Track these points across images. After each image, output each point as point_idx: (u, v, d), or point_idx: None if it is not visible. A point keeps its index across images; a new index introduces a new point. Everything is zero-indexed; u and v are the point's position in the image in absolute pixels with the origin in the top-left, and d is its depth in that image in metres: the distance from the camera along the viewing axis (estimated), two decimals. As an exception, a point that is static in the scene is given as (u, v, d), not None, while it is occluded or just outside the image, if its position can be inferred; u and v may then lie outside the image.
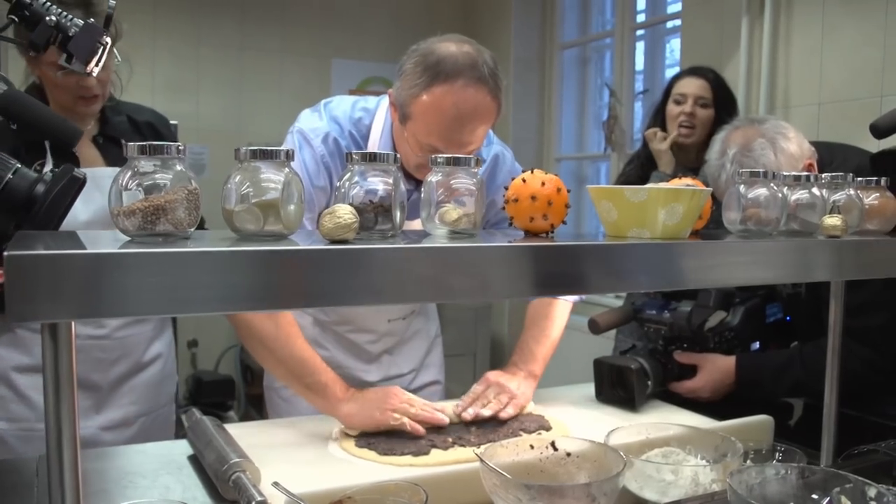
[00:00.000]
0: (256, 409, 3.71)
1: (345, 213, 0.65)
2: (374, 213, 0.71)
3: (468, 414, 1.39)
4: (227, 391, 3.56)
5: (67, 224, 1.39)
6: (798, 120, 2.50)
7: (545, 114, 4.10)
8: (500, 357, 4.19)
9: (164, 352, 1.61)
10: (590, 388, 1.67)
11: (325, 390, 1.35)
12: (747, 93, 2.69)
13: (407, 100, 1.30)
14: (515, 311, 4.20)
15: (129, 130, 1.52)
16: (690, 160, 2.21)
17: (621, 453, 1.04)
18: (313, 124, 1.40)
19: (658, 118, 2.29)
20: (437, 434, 1.32)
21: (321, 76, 4.06)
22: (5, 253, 0.53)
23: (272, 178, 0.68)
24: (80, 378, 1.44)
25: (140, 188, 0.65)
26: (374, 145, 1.41)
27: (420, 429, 1.31)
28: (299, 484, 1.02)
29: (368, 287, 0.63)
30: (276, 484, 0.98)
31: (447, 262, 0.67)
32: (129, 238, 0.66)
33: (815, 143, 1.54)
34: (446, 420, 1.34)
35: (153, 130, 1.56)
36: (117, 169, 1.52)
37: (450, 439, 1.30)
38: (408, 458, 1.23)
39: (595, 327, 1.70)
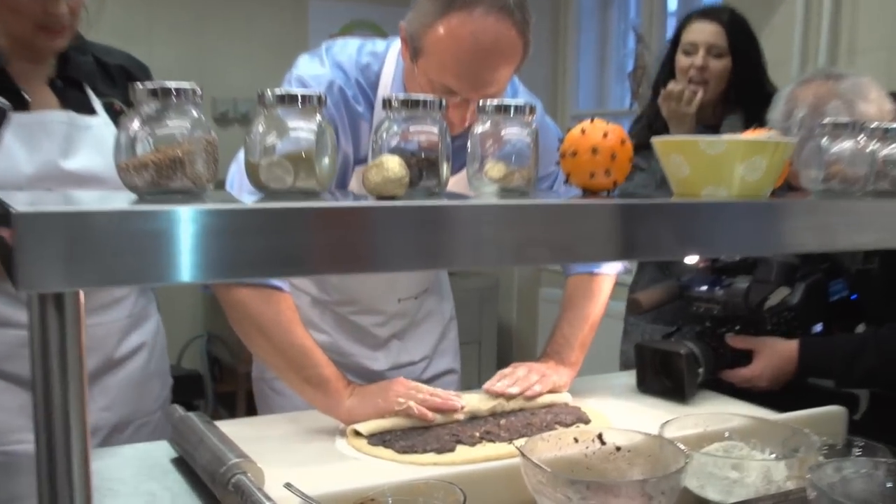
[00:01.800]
0: (227, 408, 3.73)
1: (394, 165, 0.66)
2: (418, 167, 0.72)
3: (500, 386, 1.45)
4: (192, 389, 3.58)
5: (7, 176, 1.34)
6: (864, 69, 2.48)
7: (559, 64, 4.09)
8: (508, 346, 4.22)
9: (147, 343, 1.61)
10: (629, 378, 1.70)
11: (326, 385, 1.36)
12: (804, 35, 2.65)
13: (419, 31, 1.30)
14: (525, 292, 4.23)
15: (97, 74, 1.49)
16: (707, 117, 2.14)
17: (681, 447, 1.06)
18: (314, 71, 1.40)
19: (666, 71, 2.19)
20: (461, 428, 1.35)
21: (296, 21, 4.01)
22: (13, 211, 0.53)
23: (303, 126, 0.69)
24: (23, 378, 1.44)
25: (151, 138, 0.65)
26: (384, 95, 1.41)
27: (428, 413, 1.34)
28: (310, 486, 1.03)
29: (437, 249, 0.64)
30: (288, 485, 1.00)
31: (528, 221, 0.68)
32: (137, 197, 0.66)
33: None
34: (459, 404, 1.37)
35: (126, 76, 1.52)
36: (71, 113, 1.52)
37: (476, 434, 1.32)
38: (431, 456, 1.25)
39: (636, 307, 1.71)
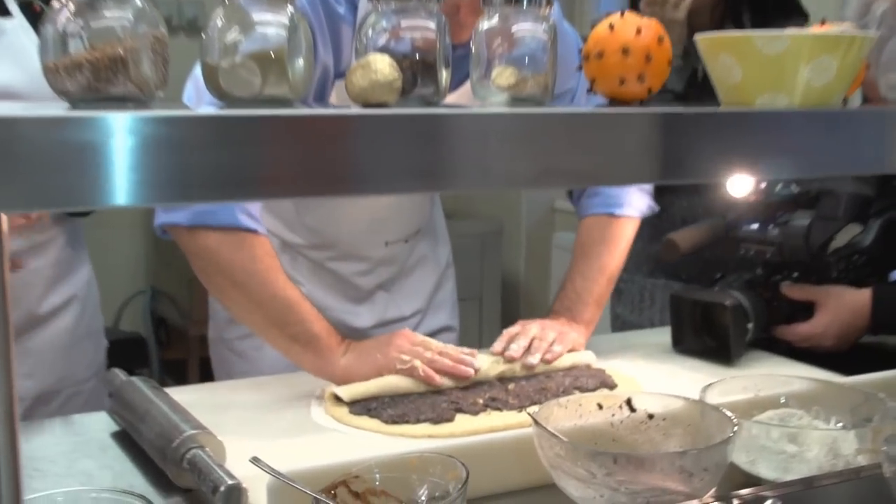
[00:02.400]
0: (175, 376, 3.75)
1: (383, 66, 0.66)
2: (411, 71, 0.72)
3: (514, 350, 1.48)
4: (133, 355, 3.60)
5: None
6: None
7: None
8: (514, 302, 4.25)
9: (76, 298, 1.62)
10: (661, 336, 1.72)
11: (316, 342, 1.40)
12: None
13: None
14: (534, 238, 4.24)
15: None
16: (704, 24, 1.97)
17: (728, 413, 1.08)
18: None
19: None
20: (461, 394, 1.37)
21: None
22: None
23: (271, 20, 0.68)
24: None
25: (85, 32, 0.65)
26: None
27: (434, 376, 1.39)
28: (282, 461, 1.04)
29: (435, 168, 0.64)
30: (256, 460, 1.01)
31: (546, 134, 0.68)
32: (69, 104, 0.66)
33: None
34: (471, 371, 1.41)
35: None
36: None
37: (480, 401, 1.34)
38: (426, 427, 1.27)
39: (671, 251, 1.72)
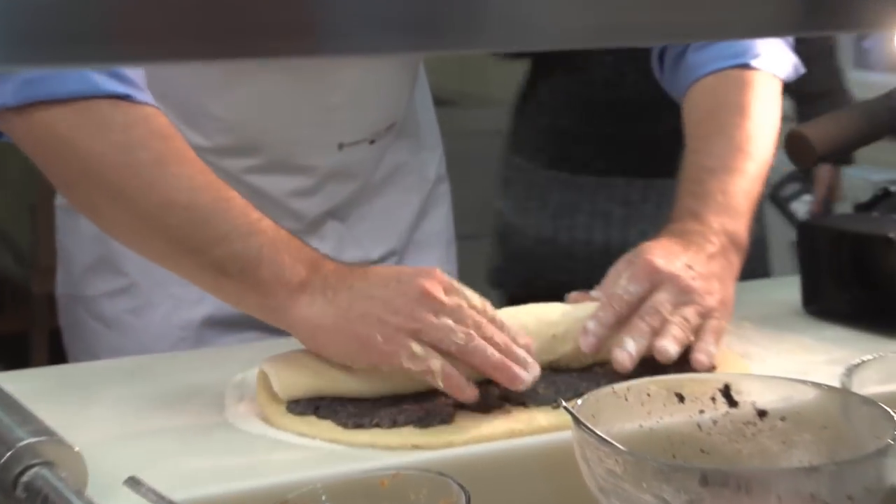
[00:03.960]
0: (10, 355, 3.75)
1: None
2: None
3: (625, 354, 1.39)
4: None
5: None
6: None
7: None
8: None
9: None
10: (786, 289, 1.73)
11: (255, 272, 1.38)
12: None
13: None
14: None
15: None
16: None
17: (888, 410, 1.07)
18: None
19: None
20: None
21: None
22: None
23: None
24: None
25: None
26: None
27: (467, 390, 1.33)
28: (174, 483, 1.06)
29: (434, 13, 0.64)
30: (133, 482, 1.02)
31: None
32: None
33: None
34: (527, 378, 1.35)
35: None
36: None
37: (493, 390, 1.36)
38: (408, 433, 1.28)
39: (802, 151, 1.71)
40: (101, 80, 1.37)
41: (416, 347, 1.32)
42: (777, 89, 1.72)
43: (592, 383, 1.36)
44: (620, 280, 1.47)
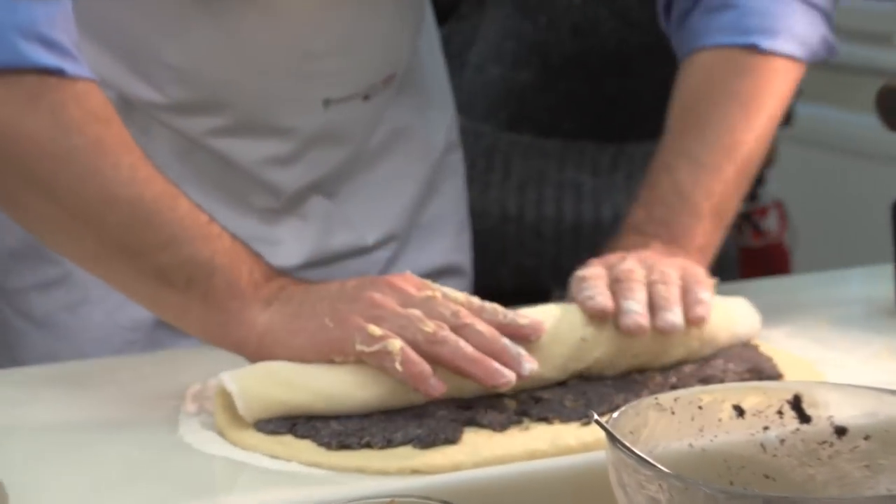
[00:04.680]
0: None
1: None
2: None
3: (635, 310, 1.42)
4: None
5: None
6: None
7: None
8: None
9: None
10: (873, 282, 1.74)
11: (208, 281, 1.39)
12: None
13: None
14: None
15: None
16: None
17: None
18: None
19: None
20: (473, 395, 1.38)
21: None
22: None
23: None
24: None
25: None
26: None
27: (432, 385, 1.33)
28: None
29: None
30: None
31: None
32: None
33: None
34: (511, 375, 1.35)
35: None
36: None
37: (511, 404, 1.37)
38: (405, 454, 1.28)
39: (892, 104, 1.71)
40: (28, 49, 1.37)
41: (373, 328, 1.33)
42: (789, 79, 1.71)
43: (631, 394, 1.38)
44: (586, 272, 1.52)
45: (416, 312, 1.36)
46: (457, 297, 1.40)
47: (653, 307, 1.44)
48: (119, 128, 1.42)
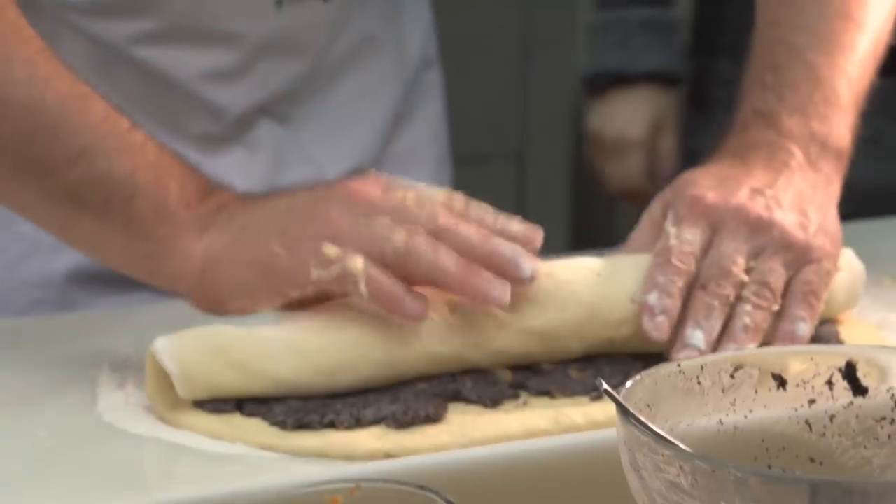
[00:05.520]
0: None
1: None
2: None
3: (689, 354, 1.39)
4: None
5: None
6: None
7: None
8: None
9: None
10: None
11: (130, 202, 1.39)
12: None
13: None
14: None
15: None
16: None
17: None
18: None
19: None
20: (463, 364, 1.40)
21: None
22: None
23: None
24: None
25: None
26: None
27: (412, 304, 1.33)
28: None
29: None
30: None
31: None
32: None
33: None
34: (505, 290, 1.35)
35: None
36: None
37: (504, 375, 1.39)
38: (381, 436, 1.29)
39: None
40: None
41: (328, 248, 1.33)
42: None
43: (652, 365, 1.37)
44: (667, 227, 1.48)
45: (384, 221, 1.35)
46: (435, 196, 1.40)
47: (722, 336, 1.42)
48: (14, 15, 1.42)
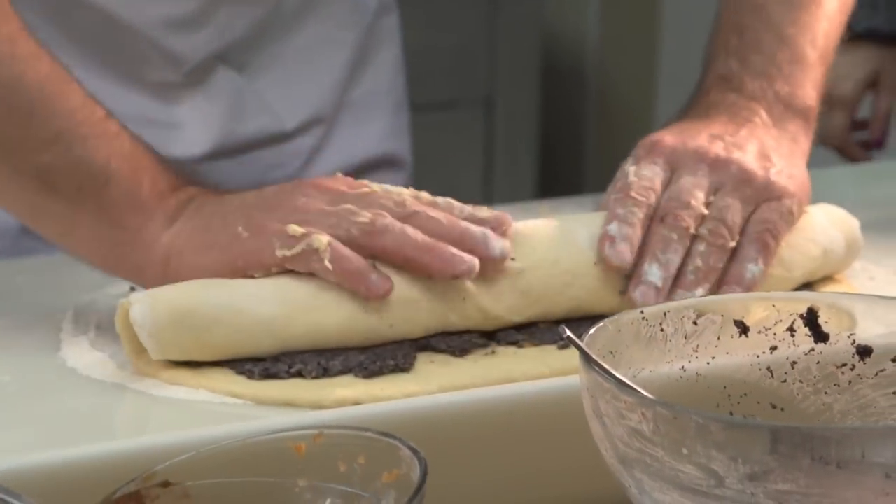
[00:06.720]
0: None
1: None
2: None
3: (641, 291, 1.41)
4: None
5: None
6: None
7: None
8: (572, 112, 4.30)
9: None
10: None
11: (103, 188, 1.40)
12: None
13: None
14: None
15: None
16: None
17: None
18: None
19: None
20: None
21: None
22: None
23: None
24: None
25: None
26: None
27: (376, 281, 1.34)
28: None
29: None
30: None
31: None
32: None
33: None
34: (473, 261, 1.36)
35: None
36: None
37: (476, 325, 1.40)
38: (349, 385, 1.31)
39: None
40: None
41: (294, 226, 1.34)
42: None
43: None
44: (625, 167, 1.50)
45: (349, 206, 1.36)
46: (403, 191, 1.41)
47: (678, 276, 1.44)
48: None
